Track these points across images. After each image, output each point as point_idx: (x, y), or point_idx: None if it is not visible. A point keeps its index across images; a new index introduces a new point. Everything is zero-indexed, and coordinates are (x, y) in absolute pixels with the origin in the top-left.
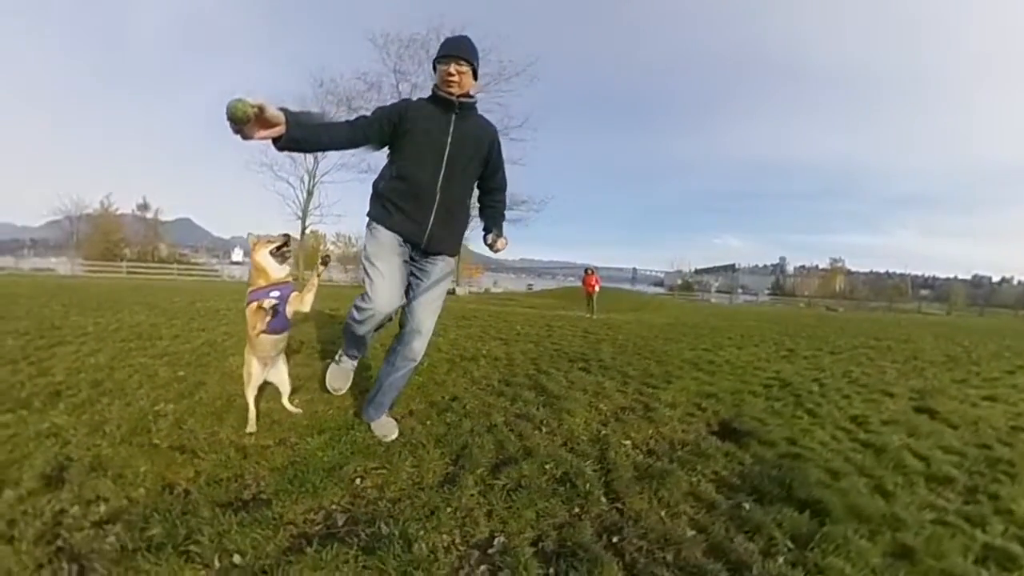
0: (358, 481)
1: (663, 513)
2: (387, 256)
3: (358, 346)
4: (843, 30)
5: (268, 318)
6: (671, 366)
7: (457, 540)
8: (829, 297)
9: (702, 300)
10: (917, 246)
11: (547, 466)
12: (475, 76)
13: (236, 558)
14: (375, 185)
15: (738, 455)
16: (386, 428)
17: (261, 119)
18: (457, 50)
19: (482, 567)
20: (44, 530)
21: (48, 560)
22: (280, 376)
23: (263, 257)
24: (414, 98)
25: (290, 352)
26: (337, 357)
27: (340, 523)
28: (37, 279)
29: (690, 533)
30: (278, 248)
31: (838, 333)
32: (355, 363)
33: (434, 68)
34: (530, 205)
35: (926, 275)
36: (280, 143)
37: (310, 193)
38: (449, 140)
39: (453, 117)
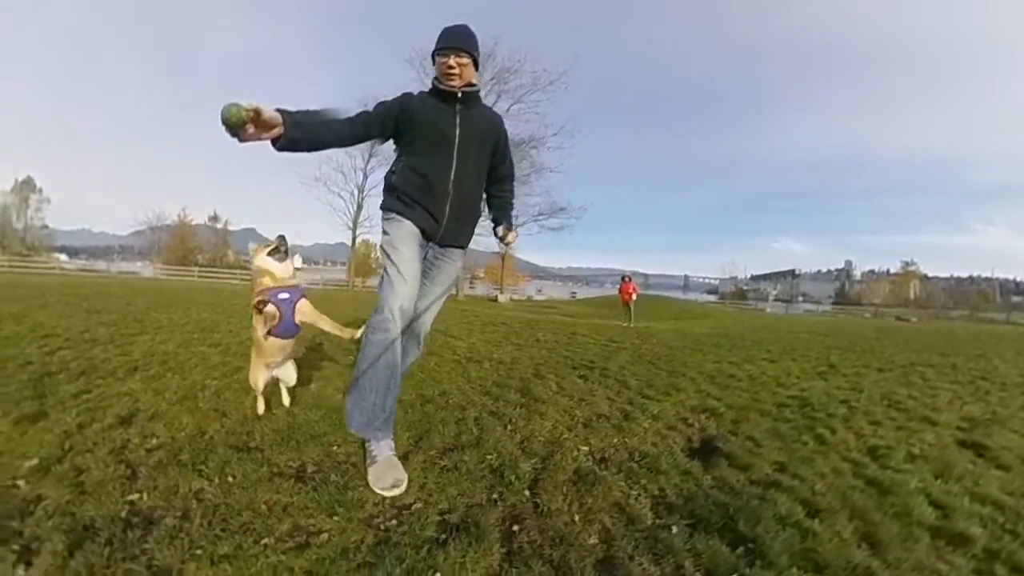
0: (334, 448)
1: (576, 517)
2: (412, 237)
3: (388, 379)
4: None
5: (274, 321)
6: (681, 377)
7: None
8: (901, 306)
9: (756, 309)
10: (1007, 245)
11: (488, 457)
12: (476, 66)
13: (230, 478)
14: (388, 179)
15: (698, 476)
16: (387, 477)
17: (258, 122)
18: (456, 41)
19: (393, 520)
20: (115, 448)
21: (115, 465)
22: (287, 372)
23: (263, 260)
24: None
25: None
26: (368, 450)
27: (308, 471)
28: (124, 281)
29: (592, 541)
30: (274, 249)
31: (899, 347)
32: (390, 438)
33: (433, 60)
34: (570, 212)
35: (1018, 279)
36: (278, 144)
37: (360, 206)
38: (457, 133)
39: (457, 108)
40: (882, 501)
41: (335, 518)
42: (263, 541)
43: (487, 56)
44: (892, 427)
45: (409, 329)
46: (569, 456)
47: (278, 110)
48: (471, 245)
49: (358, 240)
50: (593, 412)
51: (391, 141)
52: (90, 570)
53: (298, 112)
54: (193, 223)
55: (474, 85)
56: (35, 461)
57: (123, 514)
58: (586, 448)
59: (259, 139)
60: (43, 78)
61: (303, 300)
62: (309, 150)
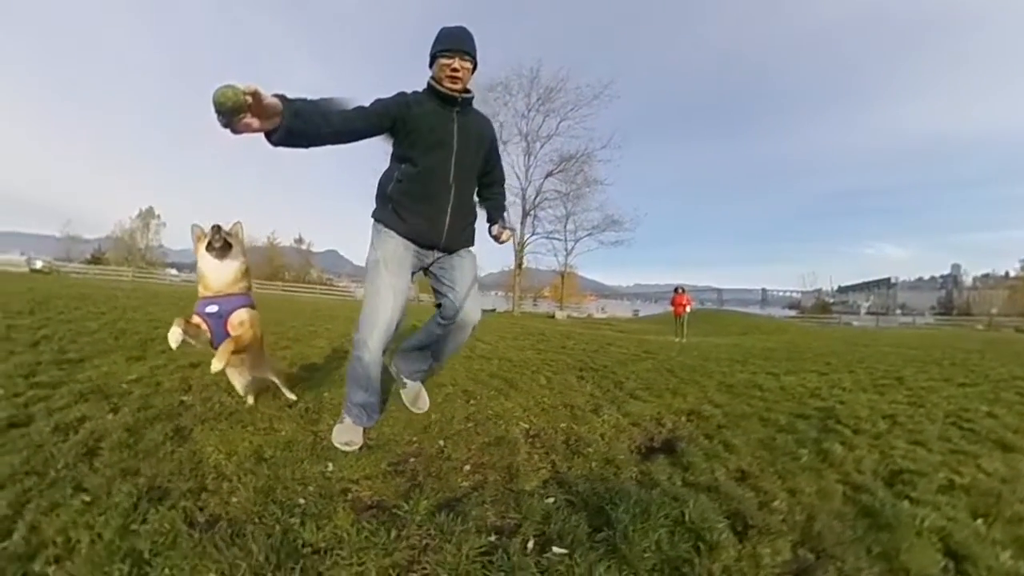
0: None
1: (467, 467)
2: (394, 262)
3: (366, 387)
4: None
5: (204, 337)
6: (691, 384)
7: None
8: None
9: (841, 323)
10: None
11: (433, 416)
12: (475, 67)
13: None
14: (382, 186)
15: (622, 467)
16: (419, 399)
17: (257, 108)
18: (460, 43)
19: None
20: (182, 378)
21: (180, 384)
22: (269, 375)
23: (199, 256)
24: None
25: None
26: (341, 417)
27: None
28: None
29: (464, 484)
30: (209, 244)
31: (1004, 360)
32: (361, 425)
33: (431, 61)
34: (623, 225)
35: None
36: (275, 137)
37: None
38: (455, 139)
39: (455, 114)
40: (865, 536)
41: (292, 425)
42: (248, 428)
43: (531, 79)
44: (941, 449)
45: (457, 320)
46: (503, 427)
47: (277, 95)
48: (534, 265)
49: None
50: (563, 402)
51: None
52: (147, 420)
53: (298, 100)
54: (280, 244)
55: (470, 92)
56: (134, 376)
57: (177, 405)
58: (526, 425)
59: (255, 130)
60: (163, 120)
61: (240, 312)
62: (307, 144)
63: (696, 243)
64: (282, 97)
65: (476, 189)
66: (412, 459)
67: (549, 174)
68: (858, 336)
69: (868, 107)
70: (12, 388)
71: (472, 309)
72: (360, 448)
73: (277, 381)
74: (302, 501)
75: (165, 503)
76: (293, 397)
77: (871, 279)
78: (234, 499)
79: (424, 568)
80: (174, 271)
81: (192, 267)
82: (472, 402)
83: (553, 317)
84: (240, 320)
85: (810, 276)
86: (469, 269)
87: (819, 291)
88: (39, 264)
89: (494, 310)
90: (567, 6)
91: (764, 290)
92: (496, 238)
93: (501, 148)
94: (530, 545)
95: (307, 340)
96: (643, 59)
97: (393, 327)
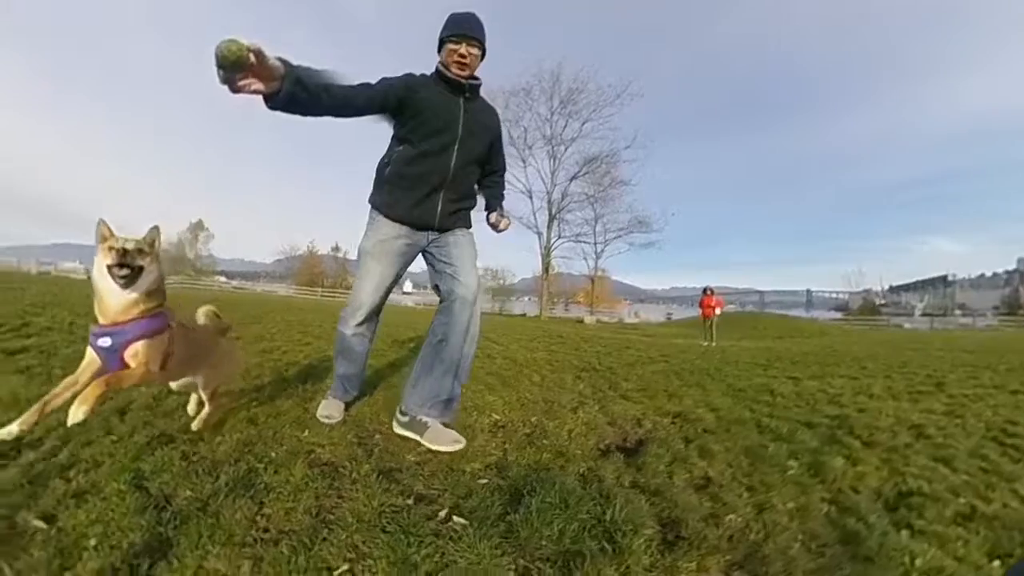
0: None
1: (408, 454)
2: (383, 253)
3: (347, 358)
4: None
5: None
6: (694, 387)
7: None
8: None
9: (890, 326)
10: None
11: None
12: (484, 55)
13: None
14: (380, 169)
15: (576, 464)
16: (443, 438)
17: (259, 67)
18: (470, 29)
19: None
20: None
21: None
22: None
23: (97, 269)
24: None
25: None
26: (327, 394)
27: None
28: (264, 297)
29: (411, 458)
30: (115, 262)
31: None
32: (348, 394)
33: (439, 46)
34: (650, 225)
35: None
36: (274, 101)
37: None
38: (460, 125)
39: (463, 100)
40: (828, 567)
41: (290, 402)
42: (251, 400)
43: (552, 83)
44: (970, 468)
45: (457, 293)
46: (474, 418)
47: (279, 58)
48: (566, 269)
49: None
50: (545, 399)
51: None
52: (169, 392)
53: (300, 67)
54: (319, 253)
55: (478, 79)
56: None
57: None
58: (498, 417)
59: (254, 90)
60: (213, 139)
61: (136, 346)
62: (304, 113)
63: (735, 244)
64: (285, 62)
65: (477, 177)
66: (377, 435)
67: (574, 177)
68: (907, 339)
69: (917, 85)
70: (75, 369)
71: (471, 283)
72: (336, 422)
73: (203, 395)
74: (272, 455)
75: (169, 446)
76: (206, 412)
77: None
78: (221, 448)
79: (340, 511)
80: (223, 278)
81: (242, 275)
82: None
83: (582, 322)
84: (135, 353)
85: (856, 275)
86: (468, 246)
87: (868, 291)
88: None
89: (524, 315)
90: (590, 5)
91: (809, 291)
92: (494, 226)
93: (526, 153)
94: (441, 514)
95: (328, 336)
96: (668, 54)
97: (374, 310)
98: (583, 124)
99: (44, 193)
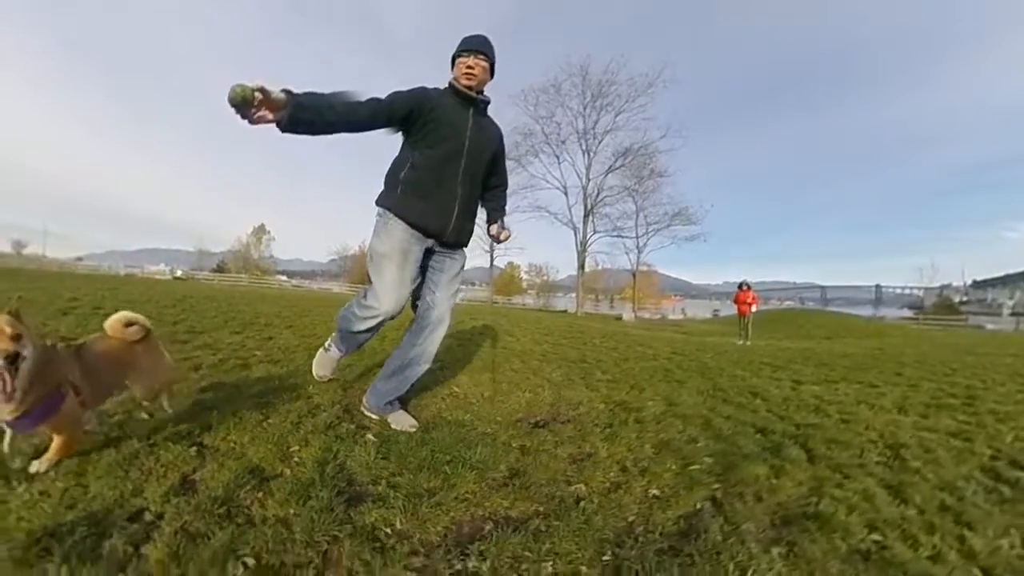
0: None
1: (356, 400)
2: (400, 256)
3: (350, 344)
4: None
5: None
6: (670, 383)
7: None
8: None
9: (968, 327)
10: None
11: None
12: (492, 73)
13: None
14: (393, 174)
15: (478, 426)
16: (403, 421)
17: (265, 102)
18: (475, 45)
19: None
20: (246, 358)
21: (248, 362)
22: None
23: None
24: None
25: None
26: (327, 344)
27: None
28: (320, 295)
29: (351, 426)
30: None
31: None
32: (342, 355)
33: (452, 64)
34: (687, 217)
35: None
36: (282, 125)
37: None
38: (468, 137)
39: (471, 113)
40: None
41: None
42: (290, 372)
43: (582, 76)
44: (925, 501)
45: (432, 320)
46: (434, 387)
47: (284, 90)
48: (611, 265)
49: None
50: (511, 381)
51: (398, 135)
52: (231, 362)
53: (303, 93)
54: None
55: (486, 96)
56: (229, 341)
57: (250, 357)
58: (457, 389)
59: (267, 120)
60: (276, 159)
61: (44, 427)
62: (314, 133)
63: (795, 235)
64: (288, 92)
65: (480, 191)
66: (344, 391)
67: (610, 170)
68: (979, 342)
69: (1000, 46)
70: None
71: (445, 314)
72: (327, 379)
73: (145, 403)
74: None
75: (216, 389)
76: (145, 416)
77: (1019, 270)
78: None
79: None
80: (283, 277)
81: (302, 275)
82: (435, 373)
83: (620, 319)
84: (48, 429)
85: (929, 269)
86: (455, 273)
87: (948, 287)
88: (179, 273)
89: (565, 311)
90: None
91: (878, 287)
92: (495, 237)
93: (560, 148)
94: (348, 428)
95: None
96: (717, 32)
97: (390, 318)
98: (616, 116)
99: (130, 206)
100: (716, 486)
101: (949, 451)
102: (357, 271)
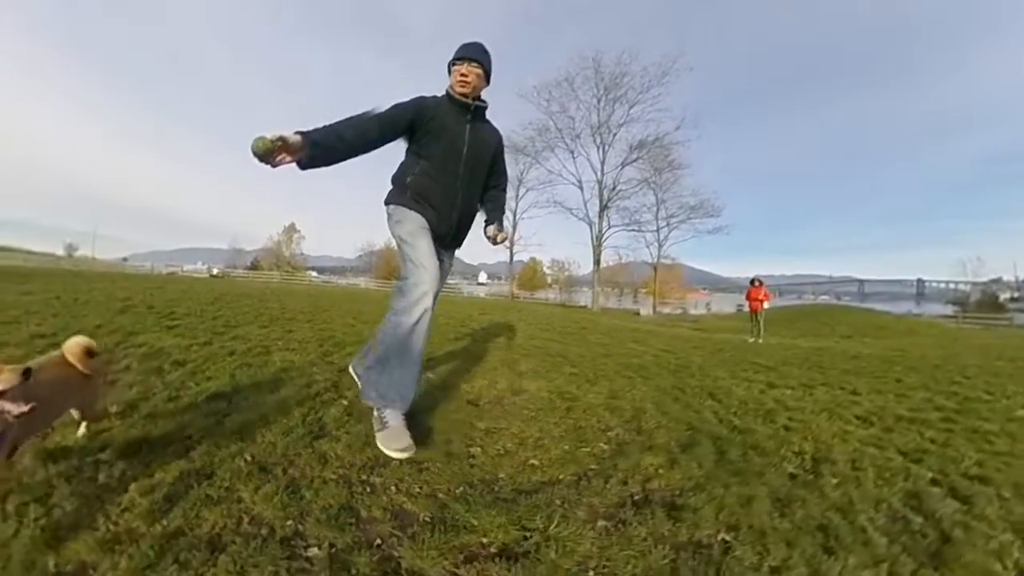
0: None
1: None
2: (425, 231)
3: (409, 365)
4: None
5: None
6: (632, 379)
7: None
8: None
9: (1013, 326)
10: None
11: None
12: (488, 79)
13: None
14: (400, 178)
15: (424, 402)
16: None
17: (285, 148)
18: (470, 52)
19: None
20: (267, 345)
21: (270, 349)
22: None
23: None
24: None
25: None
26: (375, 413)
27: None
28: (347, 290)
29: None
30: None
31: None
32: (402, 414)
33: (448, 71)
34: (704, 209)
35: None
36: (302, 164)
37: (513, 227)
38: (466, 143)
39: (468, 120)
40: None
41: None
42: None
43: (595, 69)
44: (868, 526)
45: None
46: None
47: (298, 133)
48: (635, 258)
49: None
50: (479, 373)
51: (399, 142)
52: (256, 350)
53: (315, 131)
54: (394, 248)
55: (483, 101)
56: (258, 333)
57: (270, 344)
58: (432, 376)
59: (288, 163)
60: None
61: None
62: (330, 164)
63: (830, 226)
64: (303, 134)
65: (481, 195)
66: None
67: (626, 163)
68: (1021, 344)
69: None
70: (204, 335)
71: (433, 304)
72: (412, 451)
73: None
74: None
75: (244, 368)
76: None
77: None
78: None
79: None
80: (314, 273)
81: (332, 271)
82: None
83: (638, 314)
84: None
85: (975, 262)
86: (446, 272)
87: (997, 281)
88: (215, 271)
89: (585, 307)
90: None
91: (920, 281)
92: (492, 239)
93: (575, 143)
94: (331, 396)
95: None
96: (745, 16)
97: (436, 288)
98: (631, 108)
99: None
100: (594, 466)
101: (883, 471)
102: (383, 267)
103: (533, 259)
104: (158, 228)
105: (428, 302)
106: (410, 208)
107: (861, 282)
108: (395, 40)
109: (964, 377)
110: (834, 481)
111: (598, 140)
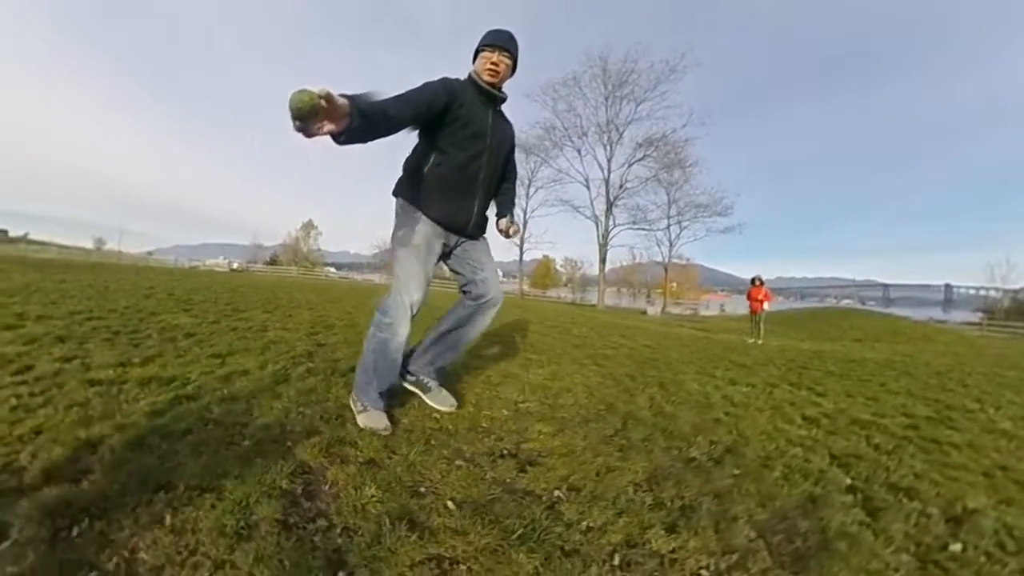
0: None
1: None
2: (425, 248)
3: (389, 372)
4: None
5: None
6: (598, 372)
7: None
8: None
9: None
10: None
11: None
12: (514, 71)
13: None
14: (416, 168)
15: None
16: (445, 400)
17: (330, 110)
18: (501, 40)
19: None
20: (264, 326)
21: (267, 328)
22: None
23: None
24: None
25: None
26: (356, 408)
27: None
28: (362, 285)
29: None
30: None
31: None
32: (382, 403)
33: (475, 56)
34: (713, 207)
35: None
36: (343, 138)
37: (524, 225)
38: (489, 133)
39: (491, 110)
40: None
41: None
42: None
43: (601, 68)
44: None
45: (487, 301)
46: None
47: (343, 95)
48: (646, 257)
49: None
50: (462, 361)
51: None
52: (255, 328)
53: (360, 98)
54: None
55: (504, 93)
56: (262, 318)
57: (265, 325)
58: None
59: (327, 132)
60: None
61: None
62: (367, 140)
63: (854, 227)
64: (350, 97)
65: (497, 187)
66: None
67: (632, 161)
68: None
69: None
70: (213, 316)
71: (498, 291)
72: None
73: None
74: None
75: (244, 339)
76: None
77: None
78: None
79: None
80: (332, 269)
81: (349, 267)
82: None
83: (645, 313)
84: None
85: (1004, 266)
86: (489, 251)
87: None
88: (235, 266)
89: (595, 306)
90: None
91: (948, 286)
92: (504, 232)
93: (581, 142)
94: (308, 366)
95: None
96: (765, 5)
97: (423, 298)
98: (638, 105)
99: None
100: (485, 425)
101: (793, 471)
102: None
103: (546, 257)
104: (182, 224)
105: (406, 322)
106: (419, 207)
107: (886, 286)
108: (410, 36)
109: (962, 386)
110: (735, 472)
111: (605, 138)
